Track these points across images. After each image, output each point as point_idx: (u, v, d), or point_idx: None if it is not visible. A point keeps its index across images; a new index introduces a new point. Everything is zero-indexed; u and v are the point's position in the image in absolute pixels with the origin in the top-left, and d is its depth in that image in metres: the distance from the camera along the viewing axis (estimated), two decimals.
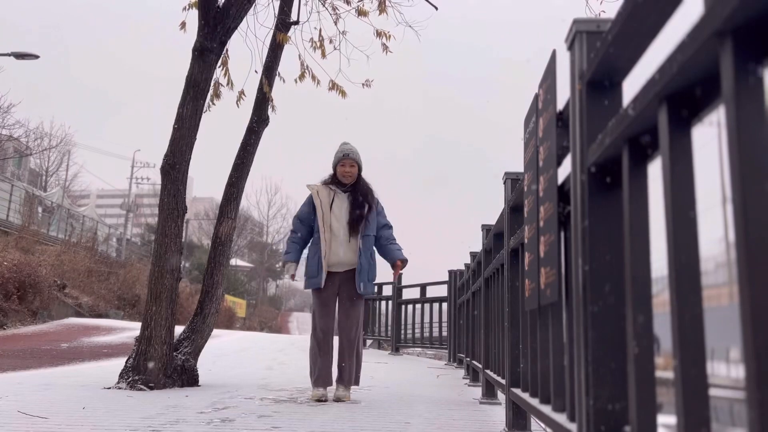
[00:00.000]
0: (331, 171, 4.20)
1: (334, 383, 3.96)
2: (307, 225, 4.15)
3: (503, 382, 2.88)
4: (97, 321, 14.21)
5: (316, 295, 4.04)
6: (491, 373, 3.65)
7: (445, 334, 8.71)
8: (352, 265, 4.02)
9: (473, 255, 5.53)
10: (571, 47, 1.46)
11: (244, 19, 4.93)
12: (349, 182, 4.11)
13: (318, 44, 5.78)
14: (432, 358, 9.95)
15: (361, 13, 5.82)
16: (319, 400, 3.79)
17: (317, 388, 3.89)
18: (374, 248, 4.16)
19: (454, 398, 4.32)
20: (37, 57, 16.18)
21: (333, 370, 3.99)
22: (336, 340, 4.06)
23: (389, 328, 10.09)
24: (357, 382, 4.04)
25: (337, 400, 3.81)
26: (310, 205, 4.15)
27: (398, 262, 4.20)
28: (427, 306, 9.42)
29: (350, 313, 4.04)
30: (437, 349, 9.53)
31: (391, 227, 4.27)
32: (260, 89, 5.16)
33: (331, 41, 5.87)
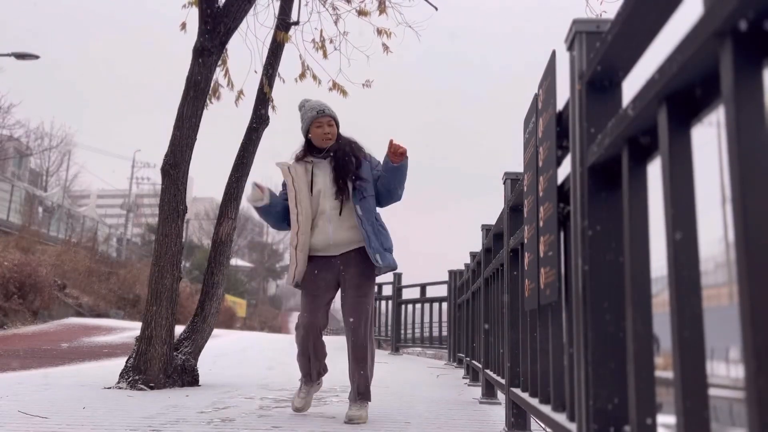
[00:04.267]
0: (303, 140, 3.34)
1: (350, 395, 3.18)
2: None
3: (503, 381, 2.88)
4: (97, 321, 14.21)
5: (303, 284, 3.21)
6: (491, 373, 3.65)
7: (444, 333, 8.71)
8: (351, 244, 3.17)
9: (473, 255, 5.53)
10: (570, 47, 1.46)
11: (244, 19, 4.93)
12: (330, 145, 3.25)
13: (319, 44, 5.78)
14: (432, 358, 9.95)
15: (361, 12, 5.82)
16: (302, 403, 3.27)
17: (306, 385, 3.30)
18: (376, 211, 3.26)
19: (454, 398, 4.32)
20: (37, 57, 16.19)
21: (319, 369, 3.31)
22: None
23: (389, 328, 10.09)
24: (369, 397, 3.15)
25: (349, 421, 3.01)
26: (284, 185, 3.32)
27: (392, 153, 3.09)
28: (427, 306, 9.42)
29: (357, 308, 3.11)
30: (437, 348, 9.53)
31: None
32: (260, 89, 5.16)
33: (331, 41, 5.88)
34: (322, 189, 3.21)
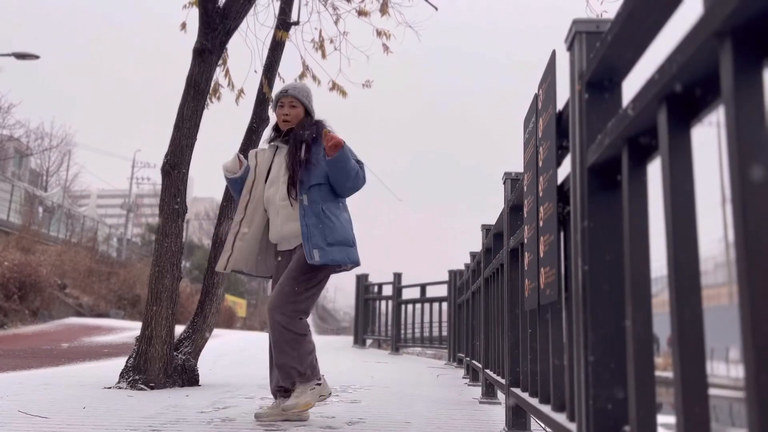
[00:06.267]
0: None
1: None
2: None
3: (503, 381, 2.88)
4: (97, 321, 14.22)
5: (274, 283, 3.09)
6: (491, 373, 3.65)
7: (444, 333, 8.71)
8: (299, 236, 2.92)
9: (473, 255, 5.53)
10: (570, 47, 1.46)
11: (244, 19, 4.94)
12: (287, 128, 3.07)
13: (319, 44, 5.78)
14: (432, 358, 9.95)
15: (361, 13, 5.82)
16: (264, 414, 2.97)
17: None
18: (339, 202, 3.00)
19: (454, 398, 4.32)
20: (37, 57, 16.20)
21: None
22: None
23: (389, 328, 10.09)
24: (311, 376, 2.90)
25: (284, 410, 2.86)
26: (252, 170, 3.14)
27: (327, 145, 2.85)
28: (427, 306, 9.43)
29: (278, 290, 2.87)
30: (437, 348, 9.53)
31: (361, 164, 3.05)
32: (260, 89, 5.16)
33: (331, 41, 5.88)
34: (274, 179, 3.03)
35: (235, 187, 3.18)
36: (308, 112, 3.11)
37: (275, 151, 3.11)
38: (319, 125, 3.06)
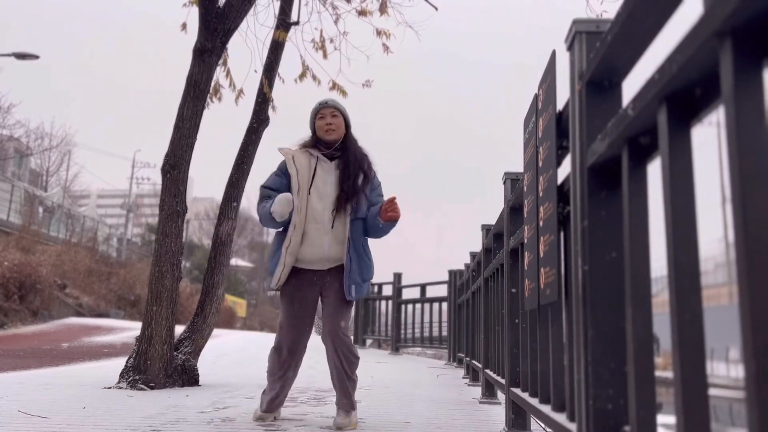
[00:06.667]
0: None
1: (336, 407, 3.00)
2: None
3: (503, 381, 2.88)
4: (97, 321, 14.22)
5: (284, 299, 2.98)
6: (491, 373, 3.65)
7: (445, 333, 8.71)
8: (339, 261, 2.94)
9: (473, 255, 5.53)
10: (570, 47, 1.46)
11: (244, 19, 4.94)
12: (333, 139, 3.01)
13: (319, 44, 5.78)
14: (432, 358, 9.95)
15: (361, 12, 5.82)
16: (259, 419, 3.02)
17: (263, 412, 3.04)
18: (363, 235, 3.02)
19: (454, 398, 4.32)
20: (37, 57, 16.20)
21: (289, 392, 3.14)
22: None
23: (389, 328, 10.09)
24: (354, 405, 3.00)
25: (338, 428, 2.88)
26: (284, 174, 3.01)
27: (385, 211, 2.89)
28: (427, 306, 9.43)
29: (335, 319, 2.93)
30: (437, 348, 9.53)
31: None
32: (260, 89, 5.16)
33: (331, 41, 5.88)
34: (322, 193, 2.94)
35: (276, 226, 3.00)
36: (347, 125, 3.08)
37: (316, 162, 3.00)
38: (369, 158, 3.08)
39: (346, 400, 2.93)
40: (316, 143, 3.05)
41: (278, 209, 2.84)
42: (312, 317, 3.01)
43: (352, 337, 3.07)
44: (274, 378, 3.00)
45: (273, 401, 3.03)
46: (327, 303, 2.96)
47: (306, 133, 3.14)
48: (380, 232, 2.98)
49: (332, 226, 2.92)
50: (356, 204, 2.93)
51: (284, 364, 2.97)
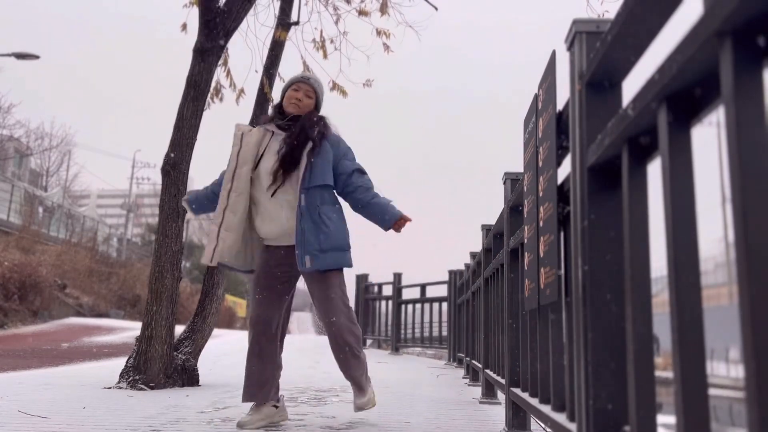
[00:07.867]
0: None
1: (352, 390, 2.95)
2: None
3: (503, 381, 2.88)
4: (97, 321, 14.22)
5: (254, 281, 2.91)
6: (491, 373, 3.65)
7: (445, 333, 8.71)
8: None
9: (473, 255, 5.53)
10: (570, 47, 1.46)
11: (244, 19, 4.94)
12: (292, 112, 2.88)
13: (320, 44, 5.78)
14: (432, 358, 9.95)
15: (362, 13, 5.82)
16: (240, 426, 2.74)
17: (250, 408, 2.86)
18: (335, 205, 2.87)
19: (454, 398, 4.32)
20: (37, 57, 16.20)
21: (274, 380, 2.93)
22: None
23: (389, 328, 10.09)
24: (367, 386, 2.95)
25: (359, 409, 2.90)
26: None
27: (400, 221, 2.86)
28: (427, 306, 9.43)
29: (327, 304, 2.79)
30: (437, 348, 9.53)
31: (364, 172, 2.95)
32: (260, 89, 5.16)
33: (332, 41, 5.88)
34: (268, 167, 2.81)
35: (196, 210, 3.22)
36: (317, 108, 3.00)
37: (270, 137, 2.88)
38: (324, 121, 2.94)
39: (357, 382, 2.89)
40: (278, 113, 2.95)
41: (185, 206, 3.19)
42: (282, 294, 2.88)
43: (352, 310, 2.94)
44: (251, 355, 2.86)
45: (252, 386, 2.84)
46: (306, 281, 2.86)
47: None
48: (380, 223, 2.89)
49: (272, 195, 2.78)
50: (308, 173, 2.76)
51: (255, 340, 2.85)
